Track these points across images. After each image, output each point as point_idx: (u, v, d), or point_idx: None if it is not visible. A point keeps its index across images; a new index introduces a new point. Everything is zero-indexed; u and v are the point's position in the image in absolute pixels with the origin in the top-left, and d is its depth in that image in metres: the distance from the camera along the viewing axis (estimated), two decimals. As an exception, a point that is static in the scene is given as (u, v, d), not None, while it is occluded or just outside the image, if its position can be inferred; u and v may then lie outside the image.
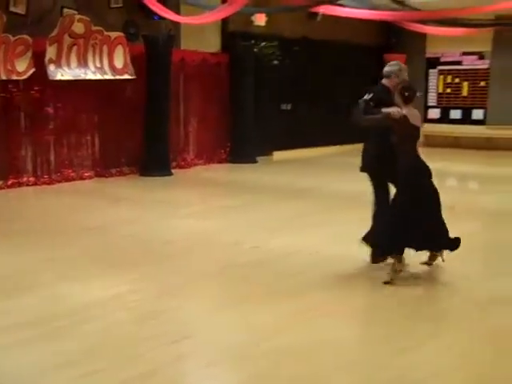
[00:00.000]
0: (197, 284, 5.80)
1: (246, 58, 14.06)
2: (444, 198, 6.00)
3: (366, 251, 6.34)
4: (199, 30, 13.24)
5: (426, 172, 5.93)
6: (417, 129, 5.89)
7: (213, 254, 6.81)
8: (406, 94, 5.79)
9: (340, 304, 5.30)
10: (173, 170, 12.65)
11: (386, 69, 6.24)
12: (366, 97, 5.94)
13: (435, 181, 6.01)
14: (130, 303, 5.22)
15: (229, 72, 14.20)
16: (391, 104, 5.84)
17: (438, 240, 5.99)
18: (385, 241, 5.93)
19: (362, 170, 6.47)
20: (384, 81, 6.22)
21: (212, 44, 14.14)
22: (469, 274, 6.13)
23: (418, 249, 5.96)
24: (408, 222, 5.75)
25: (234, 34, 14.17)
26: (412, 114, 5.78)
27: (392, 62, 6.39)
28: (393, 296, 5.51)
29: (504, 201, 10.03)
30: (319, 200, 10.02)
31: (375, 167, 6.28)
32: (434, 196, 5.93)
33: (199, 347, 4.39)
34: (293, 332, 4.64)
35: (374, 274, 6.11)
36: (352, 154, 15.91)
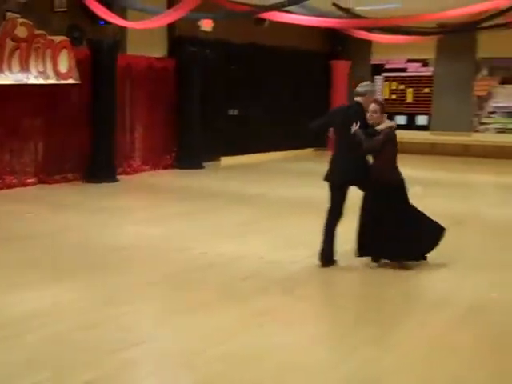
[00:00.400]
0: (144, 291, 5.71)
1: (193, 63, 14.00)
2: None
3: (311, 255, 6.38)
4: (146, 35, 13.10)
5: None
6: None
7: (160, 261, 6.72)
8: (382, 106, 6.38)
9: (288, 308, 5.30)
10: (119, 177, 12.46)
11: (361, 89, 6.54)
12: (356, 126, 6.22)
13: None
14: (74, 311, 5.11)
15: (175, 77, 14.11)
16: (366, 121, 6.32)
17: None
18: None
19: (345, 181, 6.49)
20: (359, 99, 6.50)
21: (158, 49, 14.03)
22: (421, 277, 6.21)
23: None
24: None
25: (180, 39, 14.09)
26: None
27: (364, 83, 6.74)
28: (341, 298, 5.54)
29: (449, 203, 10.23)
30: (266, 206, 10.02)
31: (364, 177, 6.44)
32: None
33: (145, 355, 4.32)
34: (241, 337, 4.61)
35: (321, 278, 6.14)
36: (298, 159, 16.20)
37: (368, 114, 6.30)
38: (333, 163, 6.60)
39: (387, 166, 6.36)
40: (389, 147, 6.30)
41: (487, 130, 17.20)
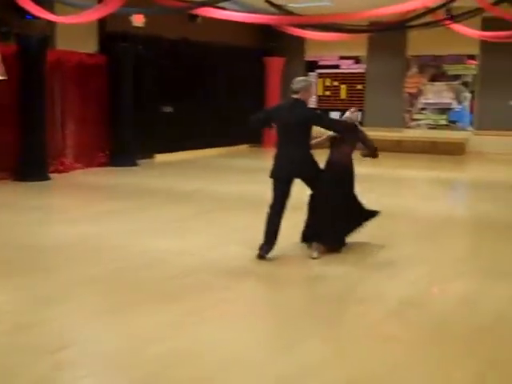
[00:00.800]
0: (75, 291, 5.55)
1: (125, 59, 13.77)
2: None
3: (248, 251, 6.35)
4: (76, 31, 12.81)
5: None
6: None
7: (94, 260, 6.56)
8: None
9: (225, 305, 5.25)
10: (50, 175, 12.13)
11: (296, 86, 6.59)
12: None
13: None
14: (6, 313, 4.92)
15: (107, 73, 13.85)
16: (313, 116, 6.73)
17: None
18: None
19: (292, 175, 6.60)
20: (296, 96, 6.59)
21: (89, 45, 13.74)
22: (356, 271, 6.26)
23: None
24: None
25: (111, 35, 13.83)
26: None
27: (299, 78, 6.77)
28: (278, 293, 5.52)
29: (381, 197, 10.37)
30: (202, 202, 9.94)
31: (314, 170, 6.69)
32: None
33: (78, 357, 4.19)
34: (179, 336, 4.54)
35: (258, 274, 6.12)
36: (233, 155, 16.17)
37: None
38: (278, 159, 6.65)
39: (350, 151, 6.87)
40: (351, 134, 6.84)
41: (419, 125, 17.58)
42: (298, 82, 6.65)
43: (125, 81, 13.87)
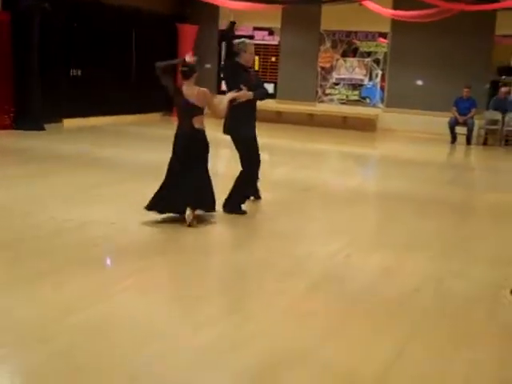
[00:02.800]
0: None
1: (30, 17, 13.03)
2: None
3: (162, 219, 6.22)
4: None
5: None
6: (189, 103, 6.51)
7: (1, 227, 6.19)
8: (184, 69, 6.55)
9: (142, 275, 5.09)
10: None
11: (234, 48, 6.89)
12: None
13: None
14: None
15: (10, 31, 13.07)
16: (246, 80, 6.86)
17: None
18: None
19: None
20: (237, 59, 6.90)
21: (-8, 0, 12.94)
22: (273, 244, 6.20)
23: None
24: None
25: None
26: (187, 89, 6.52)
27: (237, 40, 6.95)
28: (196, 264, 5.40)
29: (294, 171, 10.42)
30: (113, 170, 9.62)
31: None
32: None
33: (-8, 330, 3.93)
34: (95, 306, 4.37)
35: (174, 243, 5.98)
36: (145, 123, 15.79)
37: None
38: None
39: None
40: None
41: (332, 100, 17.74)
42: (235, 43, 6.92)
43: (30, 40, 13.14)
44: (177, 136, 6.68)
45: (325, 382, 3.58)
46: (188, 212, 6.41)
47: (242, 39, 7.12)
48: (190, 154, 6.54)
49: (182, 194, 6.45)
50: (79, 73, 15.08)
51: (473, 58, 15.98)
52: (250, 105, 7.08)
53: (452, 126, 15.28)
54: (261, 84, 7.47)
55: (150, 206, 6.54)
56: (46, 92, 13.62)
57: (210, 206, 6.73)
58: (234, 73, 7.02)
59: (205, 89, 6.56)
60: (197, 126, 6.54)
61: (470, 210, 8.46)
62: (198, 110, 6.53)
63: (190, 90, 6.50)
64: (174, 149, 6.66)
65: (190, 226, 6.39)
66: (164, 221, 6.63)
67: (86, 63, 15.17)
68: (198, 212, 6.58)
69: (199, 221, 6.54)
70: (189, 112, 6.54)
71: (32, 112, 13.28)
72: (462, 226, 7.43)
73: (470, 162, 14.32)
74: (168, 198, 6.51)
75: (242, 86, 6.86)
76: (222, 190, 6.98)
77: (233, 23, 7.52)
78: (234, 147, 7.23)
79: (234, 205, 7.11)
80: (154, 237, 6.18)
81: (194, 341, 3.93)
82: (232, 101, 6.89)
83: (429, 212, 8.03)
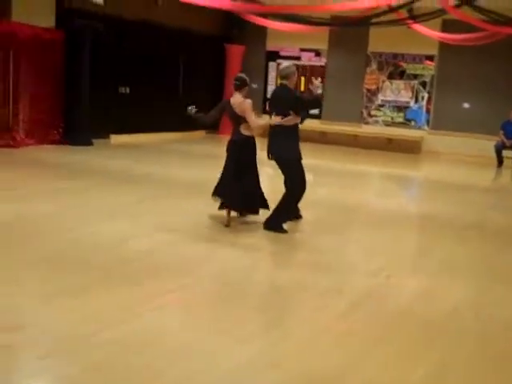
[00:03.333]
0: (27, 272, 5.34)
1: (83, 36, 13.42)
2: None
3: (207, 235, 6.24)
4: (32, 3, 12.44)
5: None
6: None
7: (45, 240, 6.35)
8: (236, 82, 7.36)
9: (182, 291, 5.14)
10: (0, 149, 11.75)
11: (285, 71, 7.19)
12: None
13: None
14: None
15: (64, 50, 13.47)
16: (292, 101, 7.06)
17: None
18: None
19: None
20: (285, 82, 7.16)
21: (46, 19, 13.31)
22: (313, 262, 6.22)
23: None
24: None
25: (69, 11, 13.46)
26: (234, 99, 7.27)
27: (285, 64, 7.38)
28: (238, 283, 5.44)
29: (338, 191, 10.42)
30: (158, 186, 9.77)
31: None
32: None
33: (30, 339, 4.03)
34: (132, 321, 4.41)
35: (217, 260, 6.03)
36: (190, 141, 16.00)
37: None
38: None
39: None
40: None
41: (376, 122, 17.70)
42: (286, 68, 7.19)
43: (82, 58, 13.53)
44: (229, 142, 7.39)
45: (358, 402, 3.58)
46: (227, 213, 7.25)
47: (291, 63, 7.36)
48: (240, 161, 7.20)
49: (233, 195, 7.20)
50: (127, 90, 15.41)
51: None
52: (292, 126, 7.15)
53: (499, 149, 15.08)
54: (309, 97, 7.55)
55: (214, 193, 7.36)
56: (95, 108, 13.95)
57: (256, 209, 7.45)
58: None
59: (248, 100, 7.18)
60: (246, 133, 7.20)
61: (513, 235, 8.33)
62: (242, 119, 7.16)
63: (237, 100, 7.22)
64: (227, 153, 7.37)
65: (227, 226, 7.18)
66: (204, 237, 6.72)
67: (134, 81, 15.50)
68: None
69: (242, 235, 6.60)
70: (235, 120, 7.27)
71: (81, 127, 13.61)
72: (503, 252, 7.31)
73: (516, 186, 14.09)
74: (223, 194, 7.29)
75: (290, 112, 7.02)
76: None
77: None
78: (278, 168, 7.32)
79: (275, 224, 7.16)
80: (195, 253, 6.24)
81: (231, 358, 3.94)
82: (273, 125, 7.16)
83: (470, 236, 7.94)
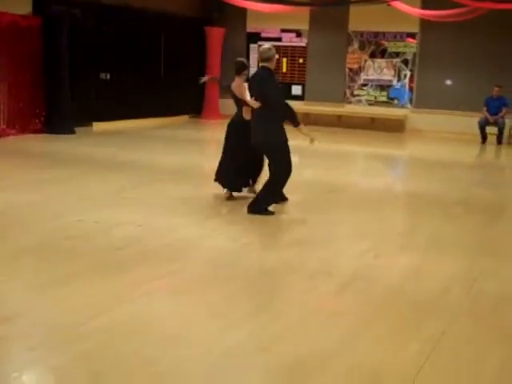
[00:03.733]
0: (14, 262, 5.31)
1: (61, 22, 13.21)
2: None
3: (190, 222, 6.19)
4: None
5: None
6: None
7: (31, 230, 6.30)
8: (235, 67, 7.77)
9: (170, 277, 5.12)
10: (-20, 141, 11.62)
11: (266, 54, 7.02)
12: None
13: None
14: None
15: (41, 36, 13.27)
16: (275, 84, 7.13)
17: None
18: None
19: None
20: (266, 64, 7.06)
21: (23, 6, 13.10)
22: (302, 245, 6.20)
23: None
24: None
25: (46, -4, 13.25)
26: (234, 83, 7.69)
27: (265, 47, 7.15)
28: (225, 267, 5.42)
29: (323, 172, 10.40)
30: (143, 173, 9.68)
31: None
32: None
33: (19, 330, 4.00)
34: (121, 308, 4.40)
35: (203, 245, 6.00)
36: (173, 126, 15.90)
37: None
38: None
39: None
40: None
41: (360, 101, 17.67)
42: (265, 50, 7.06)
43: (60, 45, 13.32)
44: (228, 123, 7.84)
45: (352, 383, 3.57)
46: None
47: (271, 45, 7.30)
48: (232, 140, 7.64)
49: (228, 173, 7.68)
50: (108, 76, 15.24)
51: (503, 56, 15.78)
52: (275, 109, 7.03)
53: (482, 125, 15.11)
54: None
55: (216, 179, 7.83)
56: (76, 96, 13.80)
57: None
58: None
59: (245, 83, 7.50)
60: (247, 117, 7.39)
61: (499, 210, 8.35)
62: (242, 102, 7.47)
63: (236, 83, 7.65)
64: (226, 134, 7.81)
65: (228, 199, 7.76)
66: (191, 222, 6.69)
67: (114, 67, 15.33)
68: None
69: (229, 219, 6.58)
70: (237, 103, 7.70)
71: (62, 116, 13.45)
72: (491, 227, 7.34)
73: (500, 161, 14.14)
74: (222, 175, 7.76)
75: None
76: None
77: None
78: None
79: (259, 207, 7.11)
80: (181, 239, 6.20)
81: (220, 343, 3.92)
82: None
83: (457, 213, 7.97)
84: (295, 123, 7.13)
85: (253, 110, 7.10)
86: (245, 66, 7.80)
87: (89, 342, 3.85)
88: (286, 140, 7.09)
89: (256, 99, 6.97)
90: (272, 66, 7.10)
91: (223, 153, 7.86)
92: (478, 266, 5.70)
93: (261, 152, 7.31)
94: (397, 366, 3.74)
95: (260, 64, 7.25)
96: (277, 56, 7.37)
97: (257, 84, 7.09)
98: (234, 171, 7.64)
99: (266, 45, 7.35)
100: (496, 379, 3.66)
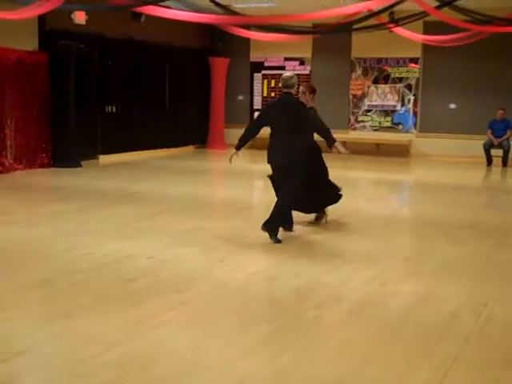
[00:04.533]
0: (24, 296, 5.32)
1: (67, 57, 13.40)
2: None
3: (201, 252, 6.22)
4: (15, 27, 12.37)
5: None
6: None
7: (40, 263, 6.31)
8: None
9: (181, 309, 5.11)
10: (-12, 176, 11.70)
11: (290, 81, 7.25)
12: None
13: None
14: None
15: (48, 71, 13.45)
16: (305, 110, 7.44)
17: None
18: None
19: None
20: (291, 90, 7.32)
21: (29, 42, 13.30)
22: (311, 272, 6.20)
23: None
24: None
25: (52, 32, 13.44)
26: None
27: (287, 74, 7.36)
28: (234, 297, 5.42)
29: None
30: (149, 204, 9.72)
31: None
32: None
33: (30, 364, 4.00)
34: (133, 341, 4.38)
35: (213, 276, 6.00)
36: (179, 157, 15.98)
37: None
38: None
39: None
40: None
41: (364, 127, 17.73)
42: (288, 77, 7.25)
43: (67, 79, 13.49)
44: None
45: (363, 412, 3.55)
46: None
47: (292, 73, 7.51)
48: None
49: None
50: (114, 109, 15.38)
51: (506, 79, 15.86)
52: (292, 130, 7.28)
53: (487, 148, 15.15)
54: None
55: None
56: (83, 129, 13.92)
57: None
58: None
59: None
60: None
61: (506, 234, 8.33)
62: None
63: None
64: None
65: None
66: (199, 253, 6.70)
67: (120, 99, 15.49)
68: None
69: (238, 249, 6.58)
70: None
71: (69, 150, 13.55)
72: (499, 251, 7.32)
73: (507, 184, 14.12)
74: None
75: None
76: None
77: None
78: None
79: (273, 227, 7.18)
80: (192, 270, 6.20)
81: (230, 374, 3.91)
82: None
83: (464, 237, 7.95)
84: (331, 141, 7.66)
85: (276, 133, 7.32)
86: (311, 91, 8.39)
87: (105, 375, 3.84)
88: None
89: (289, 124, 7.20)
90: (294, 92, 7.39)
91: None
92: (488, 291, 5.67)
93: (285, 172, 7.35)
94: (408, 394, 3.72)
95: (284, 90, 7.35)
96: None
97: (288, 107, 7.26)
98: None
99: (288, 73, 7.55)
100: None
